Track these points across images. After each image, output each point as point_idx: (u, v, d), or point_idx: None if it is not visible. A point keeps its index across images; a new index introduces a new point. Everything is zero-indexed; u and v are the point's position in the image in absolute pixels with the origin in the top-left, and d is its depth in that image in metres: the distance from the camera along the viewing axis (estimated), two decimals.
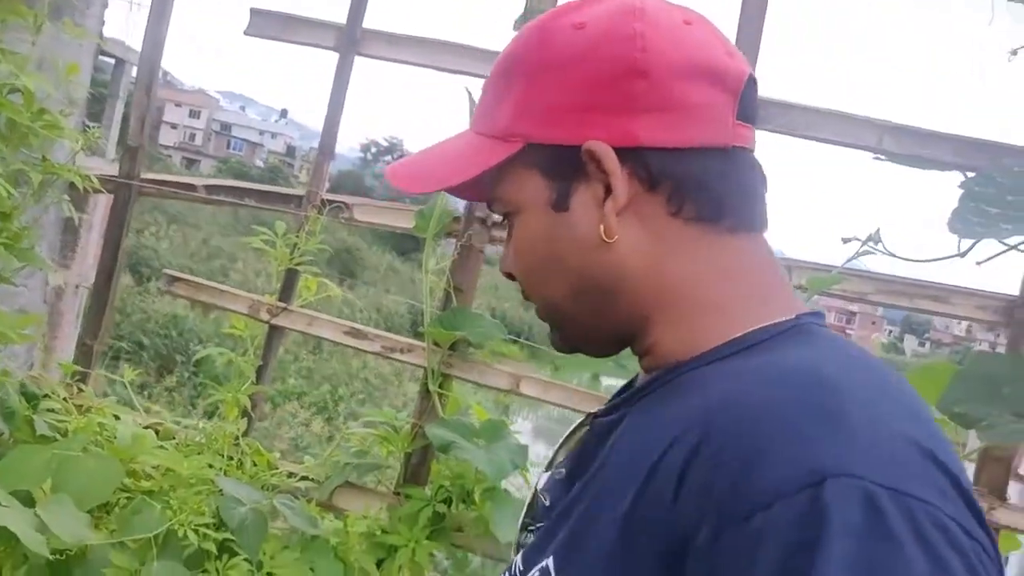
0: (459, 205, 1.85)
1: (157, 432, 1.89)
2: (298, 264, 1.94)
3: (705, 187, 0.58)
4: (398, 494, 1.85)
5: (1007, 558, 1.91)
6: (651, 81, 0.57)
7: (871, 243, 1.79)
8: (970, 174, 1.60)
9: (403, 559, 1.67)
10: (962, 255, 1.69)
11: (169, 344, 14.86)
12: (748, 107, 0.60)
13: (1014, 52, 1.69)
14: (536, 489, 0.68)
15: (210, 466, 1.75)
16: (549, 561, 0.55)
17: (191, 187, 2.03)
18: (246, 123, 60.34)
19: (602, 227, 0.58)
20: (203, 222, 21.04)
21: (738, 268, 0.59)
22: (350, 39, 1.87)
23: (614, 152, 0.57)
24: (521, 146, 0.60)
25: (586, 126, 0.58)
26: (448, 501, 1.78)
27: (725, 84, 0.58)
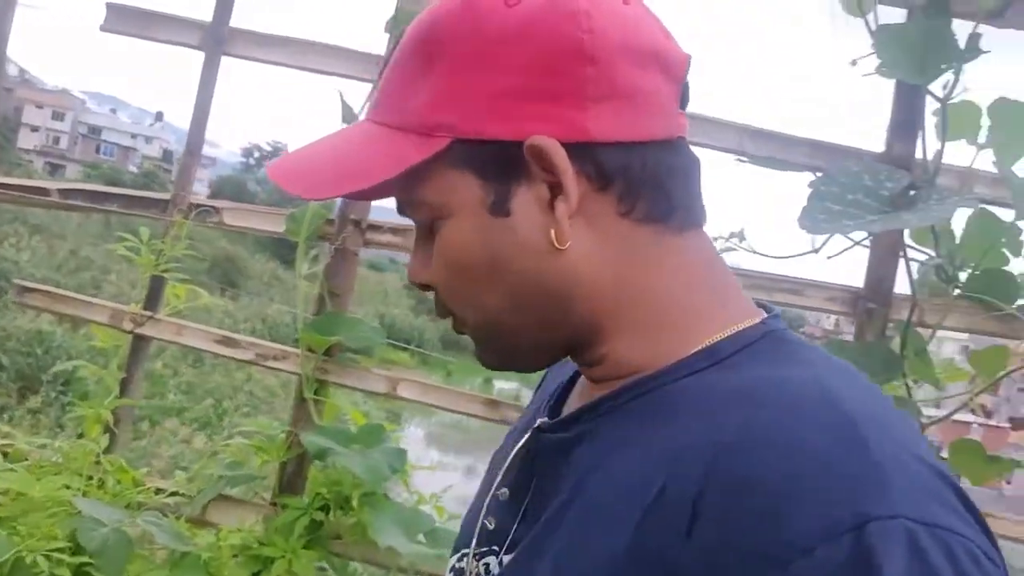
0: (333, 207, 1.83)
1: (5, 454, 1.78)
2: (164, 271, 1.86)
3: (656, 184, 0.53)
4: (275, 504, 1.81)
5: None
6: (599, 67, 0.50)
7: (736, 240, 1.90)
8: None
9: (279, 570, 1.63)
10: (816, 251, 1.81)
11: (33, 363, 13.89)
12: (685, 93, 0.55)
13: (854, 62, 1.81)
14: (481, 511, 0.61)
15: (67, 487, 1.66)
16: None
17: (43, 191, 1.91)
18: (117, 126, 57.20)
19: (553, 232, 0.52)
20: (70, 232, 19.81)
21: (692, 269, 0.55)
22: (216, 38, 1.81)
23: (563, 148, 0.50)
24: (447, 142, 0.52)
25: (527, 118, 0.51)
26: (326, 509, 1.75)
27: (668, 70, 0.53)
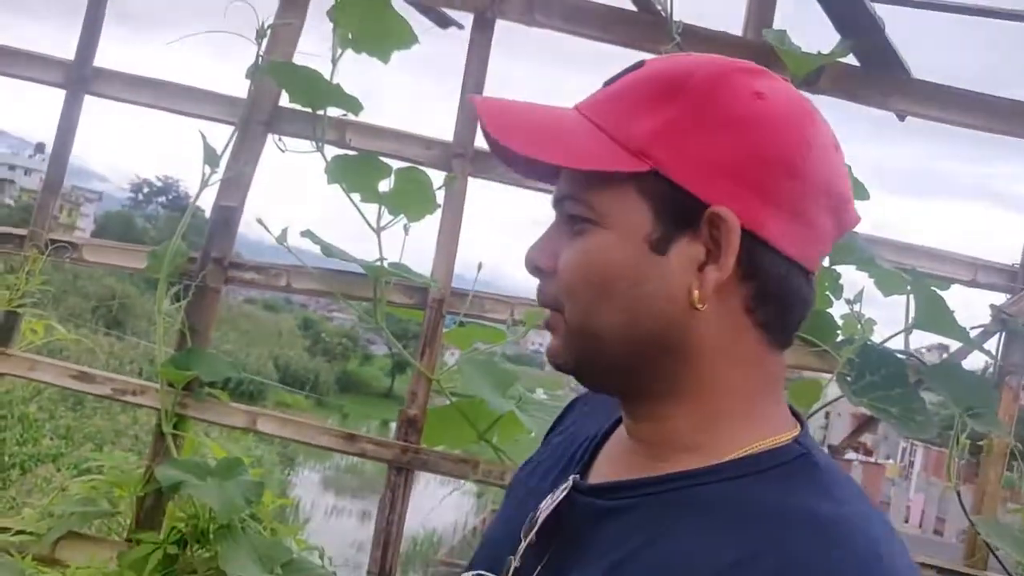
0: (194, 245, 1.86)
1: None
2: (19, 306, 1.85)
3: (785, 302, 0.59)
4: (130, 541, 1.80)
5: None
6: (798, 186, 0.58)
7: None
8: None
9: None
10: None
11: None
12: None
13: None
14: (502, 545, 0.66)
15: None
16: None
17: None
18: None
19: (696, 292, 0.57)
20: None
21: (770, 383, 0.61)
22: (80, 77, 1.84)
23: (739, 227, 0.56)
24: (648, 169, 0.57)
25: (723, 190, 0.57)
26: (182, 543, 1.76)
27: (841, 221, 0.61)
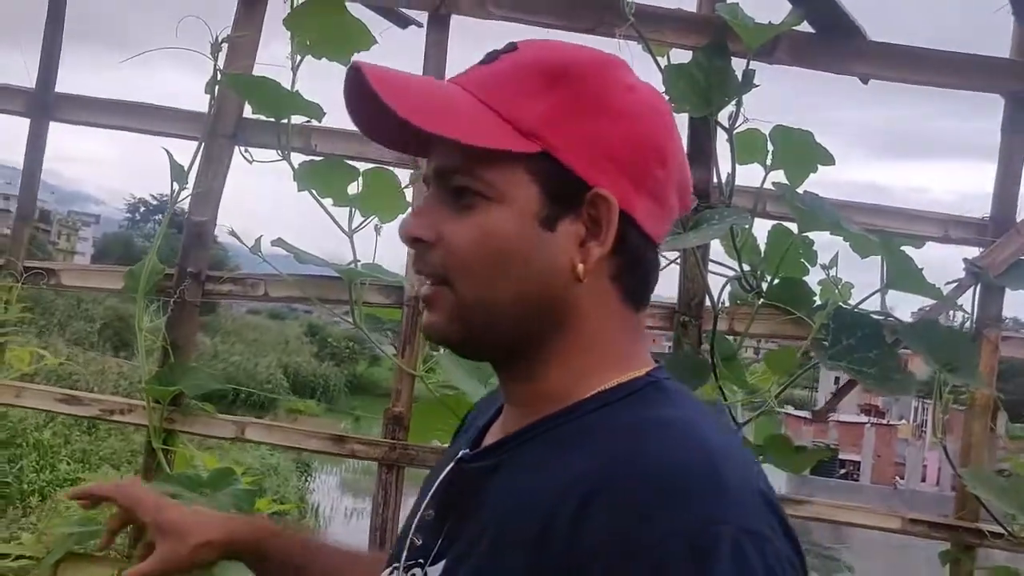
0: (171, 259, 1.88)
1: None
2: (1, 336, 1.87)
3: (644, 272, 0.68)
4: (129, 557, 1.83)
5: None
6: (664, 173, 0.65)
7: None
8: None
9: None
10: None
11: None
12: None
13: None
14: (411, 530, 0.71)
15: None
16: None
17: None
18: None
19: (580, 266, 0.63)
20: None
21: (627, 335, 0.68)
22: (42, 104, 1.86)
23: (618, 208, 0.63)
24: (538, 150, 0.62)
25: (605, 173, 0.63)
26: None
27: (684, 202, 0.70)
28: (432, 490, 0.70)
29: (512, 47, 0.67)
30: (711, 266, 2.01)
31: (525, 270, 0.64)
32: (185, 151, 1.83)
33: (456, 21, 1.89)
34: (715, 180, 1.96)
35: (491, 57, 0.67)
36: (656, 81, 1.86)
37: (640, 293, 0.68)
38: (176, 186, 1.80)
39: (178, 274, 1.86)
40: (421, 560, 0.68)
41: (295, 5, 1.86)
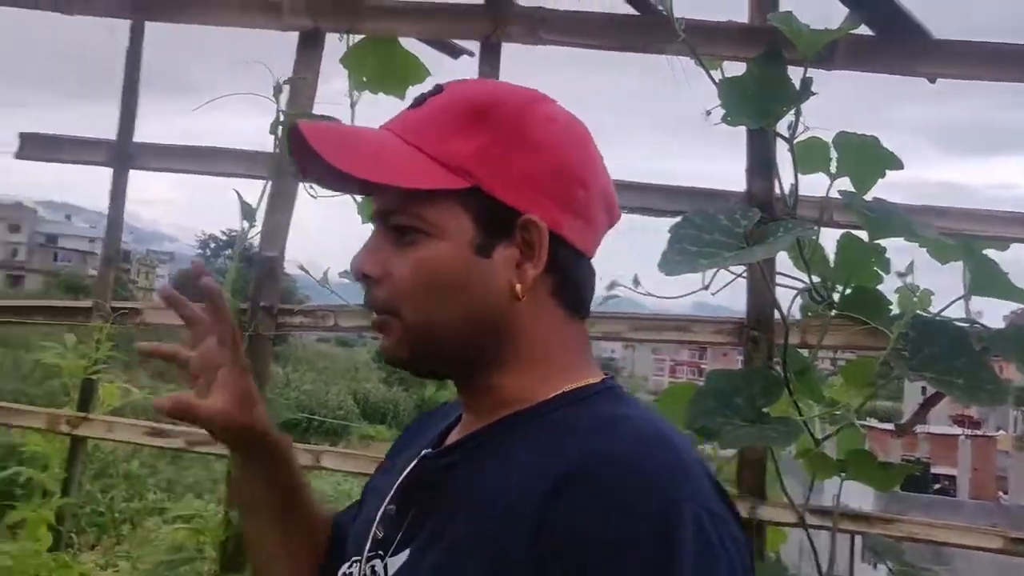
0: (243, 294, 1.95)
1: None
2: (94, 373, 1.97)
3: (579, 284, 0.74)
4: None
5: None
6: (586, 195, 0.72)
7: (631, 286, 2.02)
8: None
9: None
10: (706, 287, 1.95)
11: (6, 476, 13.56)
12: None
13: (708, 112, 1.98)
14: (372, 525, 0.74)
15: None
16: None
17: None
18: (73, 232, 57.06)
19: (518, 286, 0.69)
20: (33, 343, 19.53)
21: (573, 343, 0.74)
22: (122, 154, 1.96)
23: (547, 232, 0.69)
24: (468, 186, 0.68)
25: (531, 200, 0.69)
26: None
27: (611, 215, 0.76)
28: (395, 487, 0.75)
29: (439, 89, 0.73)
30: (780, 279, 1.97)
31: (465, 294, 0.69)
32: (252, 189, 1.90)
33: (508, 48, 1.93)
34: (778, 192, 1.93)
35: (419, 101, 0.73)
36: (711, 95, 1.86)
37: (578, 303, 0.74)
38: (246, 224, 1.87)
39: (251, 308, 1.93)
40: (381, 552, 0.72)
41: (350, 44, 1.92)
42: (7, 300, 1.89)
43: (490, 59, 1.89)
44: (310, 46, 1.92)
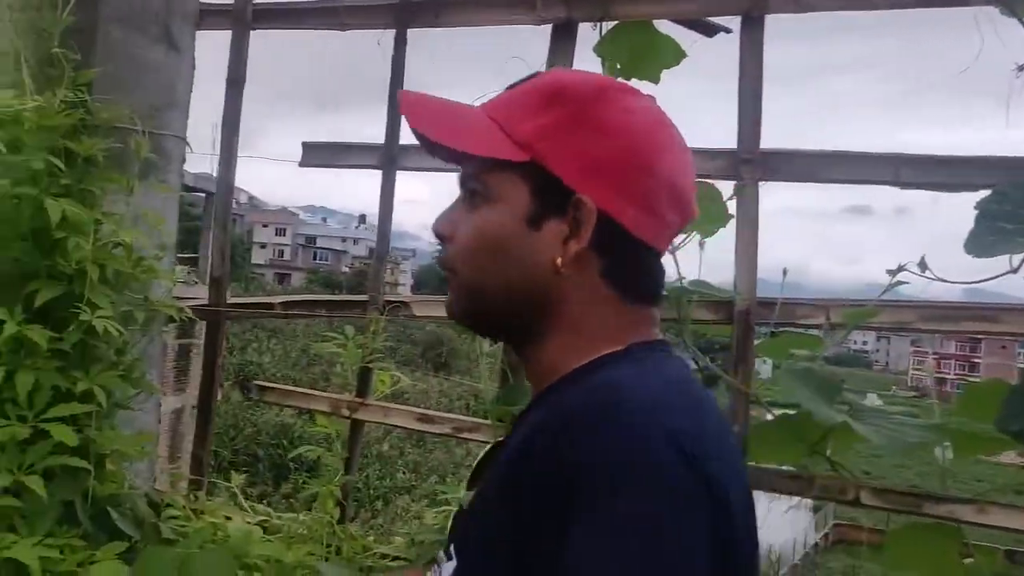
0: None
1: (265, 528, 2.08)
2: (369, 362, 2.12)
3: (633, 272, 0.75)
4: None
5: None
6: (652, 184, 0.73)
7: (919, 269, 1.80)
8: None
9: None
10: (1015, 271, 1.68)
11: (282, 453, 15.40)
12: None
13: (1021, 67, 1.73)
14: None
15: (311, 554, 1.92)
16: (454, 560, 0.72)
17: (270, 306, 2.27)
18: (328, 233, 63.24)
19: (559, 260, 0.72)
20: (300, 332, 21.95)
21: (622, 323, 0.75)
22: (389, 157, 2.10)
23: (597, 213, 0.71)
24: (528, 159, 0.72)
25: (589, 183, 0.71)
26: None
27: (684, 215, 0.77)
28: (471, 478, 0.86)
29: (534, 75, 0.78)
30: None
31: (510, 261, 0.73)
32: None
33: (770, 20, 1.81)
34: None
35: (514, 84, 0.78)
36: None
37: (633, 289, 0.75)
38: None
39: None
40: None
41: (603, 32, 1.90)
42: (280, 296, 2.12)
43: (752, 33, 1.79)
44: (563, 37, 1.93)
